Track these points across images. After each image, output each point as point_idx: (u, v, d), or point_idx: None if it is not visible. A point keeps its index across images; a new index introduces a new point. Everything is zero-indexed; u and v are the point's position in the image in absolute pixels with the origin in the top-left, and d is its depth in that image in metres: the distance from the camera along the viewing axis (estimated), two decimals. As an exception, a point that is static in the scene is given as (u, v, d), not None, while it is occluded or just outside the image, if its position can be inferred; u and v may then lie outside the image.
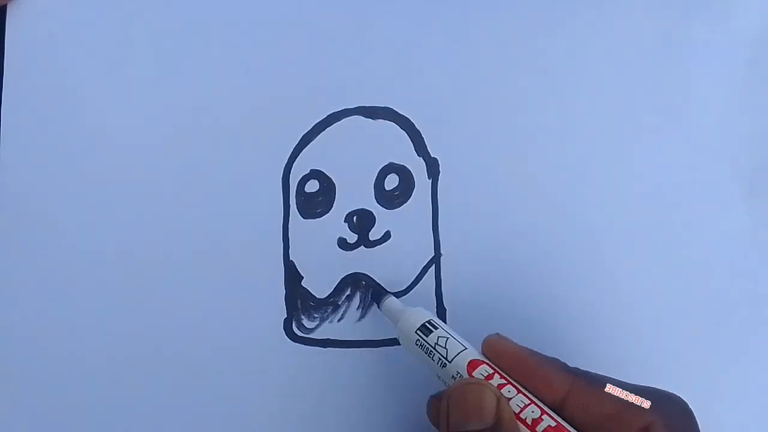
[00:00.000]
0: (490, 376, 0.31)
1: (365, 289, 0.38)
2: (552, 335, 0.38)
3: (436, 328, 0.33)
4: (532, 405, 0.30)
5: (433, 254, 0.39)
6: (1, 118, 0.39)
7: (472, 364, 0.31)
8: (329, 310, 0.38)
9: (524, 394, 0.30)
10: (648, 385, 0.31)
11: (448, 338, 0.32)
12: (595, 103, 0.40)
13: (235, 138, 0.39)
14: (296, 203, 0.39)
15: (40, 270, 0.38)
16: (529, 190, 0.39)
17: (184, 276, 0.38)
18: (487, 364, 0.31)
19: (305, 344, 0.38)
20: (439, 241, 0.39)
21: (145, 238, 0.38)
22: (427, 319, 0.33)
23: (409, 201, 0.39)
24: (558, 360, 0.31)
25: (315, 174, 0.39)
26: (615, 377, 0.31)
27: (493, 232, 0.39)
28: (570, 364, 0.32)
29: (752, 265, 0.40)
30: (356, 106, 0.39)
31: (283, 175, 0.39)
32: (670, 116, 0.40)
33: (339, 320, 0.38)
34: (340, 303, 0.38)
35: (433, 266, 0.39)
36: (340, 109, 0.39)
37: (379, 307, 0.36)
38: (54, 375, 0.37)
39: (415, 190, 0.39)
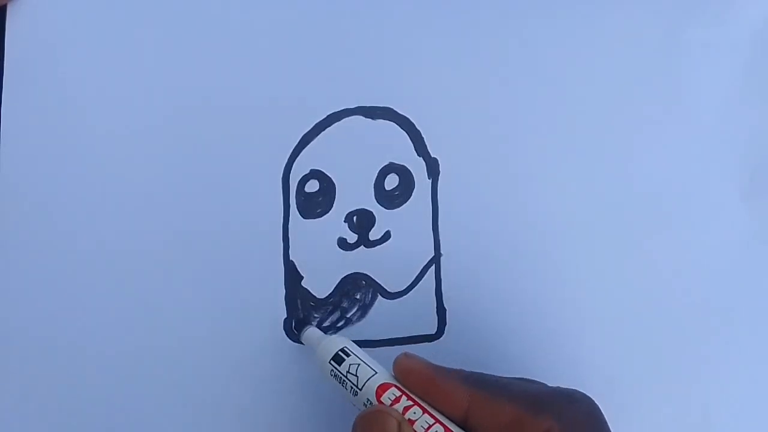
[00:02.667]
0: (397, 399, 0.31)
1: (365, 289, 0.38)
2: (552, 336, 0.38)
3: (348, 356, 0.33)
4: (437, 424, 0.30)
5: (433, 254, 0.39)
6: (1, 118, 0.39)
7: (382, 388, 0.32)
8: (329, 310, 0.38)
9: (429, 414, 0.31)
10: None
11: (359, 365, 0.33)
12: (594, 103, 0.40)
13: (235, 138, 0.39)
14: (296, 203, 0.39)
15: (40, 269, 0.38)
16: (530, 190, 0.39)
17: (183, 276, 0.38)
18: (395, 386, 0.32)
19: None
20: (439, 241, 0.39)
21: (144, 238, 0.38)
22: (341, 347, 0.33)
23: (409, 201, 0.39)
24: (461, 371, 0.32)
25: (315, 174, 0.39)
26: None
27: (493, 232, 0.39)
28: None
29: (752, 265, 0.40)
30: (356, 106, 0.39)
31: (283, 175, 0.39)
32: (670, 116, 0.40)
33: (339, 321, 0.38)
34: (340, 303, 0.38)
35: (433, 266, 0.39)
36: (340, 109, 0.39)
37: (300, 338, 0.37)
38: (53, 375, 0.37)
39: (415, 190, 0.39)
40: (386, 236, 0.39)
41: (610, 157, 0.40)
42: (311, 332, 0.36)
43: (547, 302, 0.38)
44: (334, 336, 0.35)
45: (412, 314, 0.38)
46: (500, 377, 0.32)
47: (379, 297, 0.38)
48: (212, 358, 0.37)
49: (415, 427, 0.30)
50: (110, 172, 0.38)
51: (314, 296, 0.38)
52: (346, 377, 0.32)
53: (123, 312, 0.37)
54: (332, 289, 0.38)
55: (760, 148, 0.40)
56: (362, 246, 0.38)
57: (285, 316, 0.38)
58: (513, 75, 0.40)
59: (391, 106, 0.39)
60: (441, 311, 0.38)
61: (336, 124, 0.39)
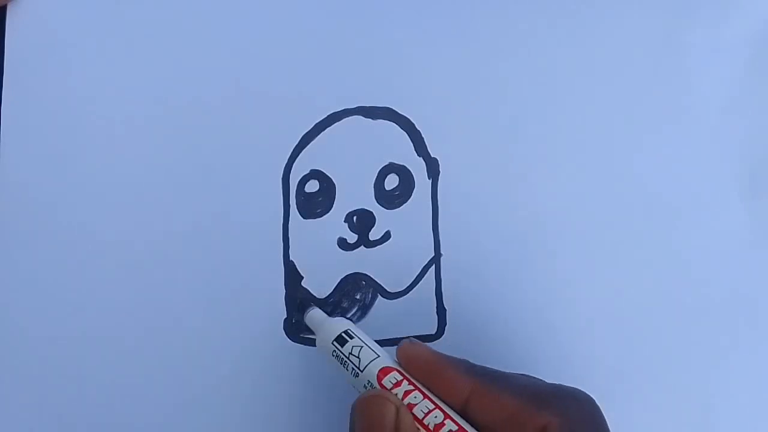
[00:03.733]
0: (398, 383, 0.31)
1: (365, 289, 0.38)
2: (552, 335, 0.38)
3: (351, 338, 0.33)
4: (436, 410, 0.30)
5: (433, 254, 0.39)
6: (1, 118, 0.39)
7: (383, 372, 0.31)
8: (329, 311, 0.38)
9: (429, 399, 0.30)
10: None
11: (362, 347, 0.32)
12: (594, 103, 0.40)
13: (235, 138, 0.39)
14: (296, 203, 0.39)
15: (40, 269, 0.38)
16: (529, 190, 0.39)
17: (183, 276, 0.38)
18: (397, 370, 0.32)
19: (305, 344, 0.38)
20: (439, 241, 0.39)
21: (145, 238, 0.38)
22: (345, 329, 0.33)
23: (409, 201, 0.39)
24: (465, 361, 0.32)
25: (315, 174, 0.39)
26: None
27: (493, 232, 0.39)
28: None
29: (752, 265, 0.39)
30: (356, 106, 0.39)
31: (283, 175, 0.39)
32: (669, 117, 0.40)
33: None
34: (340, 303, 0.38)
35: (433, 266, 0.38)
36: (340, 109, 0.39)
37: (303, 318, 0.36)
38: (53, 374, 0.37)
39: (415, 190, 0.39)
40: (386, 236, 0.39)
41: (609, 157, 0.40)
42: (315, 313, 0.36)
43: (547, 302, 0.38)
44: (337, 318, 0.35)
45: (412, 314, 0.38)
46: (502, 371, 0.32)
47: (379, 297, 0.38)
48: (212, 357, 0.37)
49: (414, 411, 0.30)
50: (110, 172, 0.38)
51: (314, 296, 0.38)
52: (348, 359, 0.32)
53: (123, 311, 0.37)
54: (332, 289, 0.38)
55: (760, 148, 0.40)
56: (362, 246, 0.38)
57: (285, 316, 0.38)
58: (513, 75, 0.40)
59: (391, 106, 0.39)
60: (441, 311, 0.38)
61: (336, 124, 0.39)
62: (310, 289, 0.38)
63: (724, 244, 0.39)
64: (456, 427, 0.30)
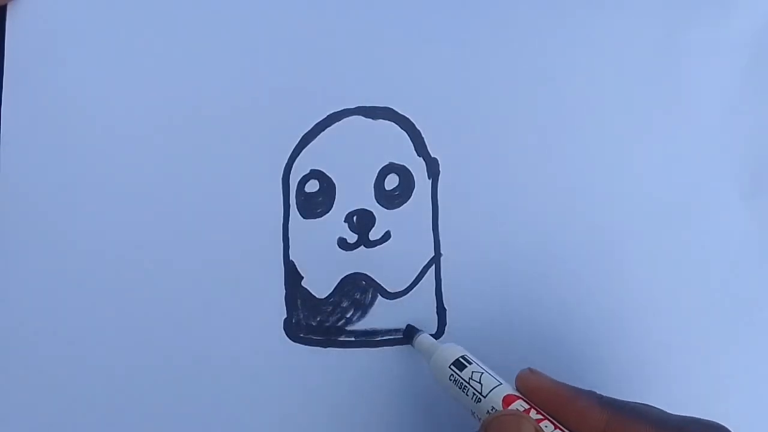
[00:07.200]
0: (526, 411, 0.30)
1: (365, 289, 0.38)
2: (551, 335, 0.38)
3: (470, 363, 0.33)
4: None
5: (433, 254, 0.39)
6: (1, 118, 0.39)
7: (507, 399, 0.31)
8: (329, 310, 0.38)
9: (561, 430, 0.30)
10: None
11: (482, 373, 0.32)
12: (595, 103, 0.40)
13: (235, 138, 0.39)
14: (296, 203, 0.39)
15: (39, 271, 0.38)
16: (529, 190, 0.39)
17: (183, 276, 0.38)
18: (523, 399, 0.31)
19: (305, 344, 0.38)
20: (439, 241, 0.39)
21: (144, 238, 0.38)
22: (461, 354, 0.33)
23: (409, 201, 0.39)
24: (593, 393, 0.31)
25: (315, 174, 0.39)
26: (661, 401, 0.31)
27: (493, 232, 0.39)
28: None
29: (752, 265, 0.40)
30: (356, 106, 0.39)
31: (283, 175, 0.39)
32: (670, 116, 0.40)
33: (339, 321, 0.38)
34: (340, 303, 0.38)
35: (433, 266, 0.39)
36: (340, 109, 0.39)
37: (412, 344, 0.37)
38: (53, 375, 0.37)
39: (415, 190, 0.39)
40: (386, 236, 0.39)
41: (610, 157, 0.40)
42: (424, 338, 0.36)
43: (547, 302, 0.38)
44: (451, 343, 0.34)
45: (412, 314, 0.38)
46: (630, 402, 0.31)
47: (379, 297, 0.38)
48: (212, 357, 0.37)
49: None
50: (110, 172, 0.38)
51: (314, 296, 0.38)
52: (468, 383, 0.32)
53: (123, 312, 0.37)
54: (332, 289, 0.38)
55: (760, 148, 0.40)
56: (362, 246, 0.38)
57: (285, 316, 0.38)
58: (513, 75, 0.40)
59: (391, 106, 0.39)
60: (441, 311, 0.38)
61: (336, 124, 0.39)
62: (310, 289, 0.38)
63: (724, 242, 0.40)
64: None
